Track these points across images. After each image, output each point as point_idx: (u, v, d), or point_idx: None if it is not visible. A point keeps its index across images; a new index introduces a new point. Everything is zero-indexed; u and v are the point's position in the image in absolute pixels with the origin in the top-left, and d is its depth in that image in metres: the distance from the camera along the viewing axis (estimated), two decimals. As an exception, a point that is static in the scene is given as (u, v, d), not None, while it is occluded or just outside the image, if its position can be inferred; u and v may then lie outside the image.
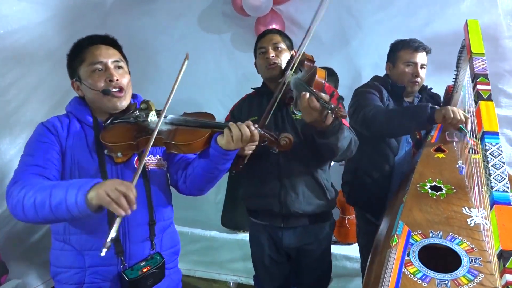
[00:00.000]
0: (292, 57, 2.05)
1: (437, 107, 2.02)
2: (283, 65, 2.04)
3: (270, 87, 2.10)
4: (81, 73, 1.55)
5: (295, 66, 1.91)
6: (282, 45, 2.08)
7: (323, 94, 1.61)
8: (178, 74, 1.51)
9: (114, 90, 1.51)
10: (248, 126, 1.44)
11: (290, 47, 2.13)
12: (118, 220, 1.23)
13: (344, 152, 1.87)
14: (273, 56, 2.04)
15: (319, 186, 2.05)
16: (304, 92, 1.62)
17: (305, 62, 1.99)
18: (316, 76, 1.80)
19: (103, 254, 1.19)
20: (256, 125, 1.50)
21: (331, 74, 3.11)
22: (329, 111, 1.54)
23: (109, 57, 1.54)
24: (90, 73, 1.52)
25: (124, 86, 1.56)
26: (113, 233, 1.21)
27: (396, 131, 2.21)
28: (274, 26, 3.21)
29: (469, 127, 1.91)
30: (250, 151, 1.76)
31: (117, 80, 1.52)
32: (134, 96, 1.69)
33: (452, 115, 1.91)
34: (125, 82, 1.56)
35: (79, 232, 1.48)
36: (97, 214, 1.26)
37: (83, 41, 1.58)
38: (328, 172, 2.13)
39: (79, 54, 1.56)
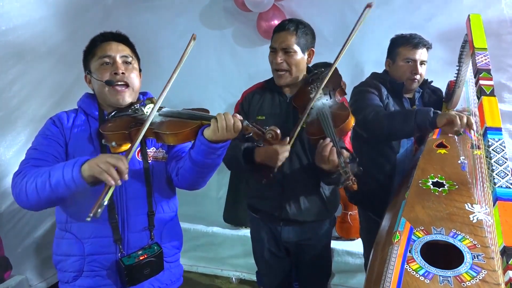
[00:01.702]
0: (323, 70, 1.98)
1: (439, 112, 1.98)
2: (293, 71, 1.97)
3: (282, 86, 2.06)
4: (91, 66, 1.62)
5: (323, 85, 1.85)
6: (295, 48, 1.93)
7: (345, 152, 1.61)
8: (183, 55, 1.52)
9: (118, 83, 1.57)
10: (233, 116, 1.42)
11: (306, 45, 1.99)
12: (110, 190, 1.29)
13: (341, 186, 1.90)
14: (281, 62, 1.94)
15: (320, 198, 2.04)
16: (327, 140, 1.64)
17: (338, 90, 1.89)
18: (346, 122, 1.72)
19: (88, 219, 1.24)
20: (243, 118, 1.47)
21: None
22: (343, 175, 1.57)
23: (118, 52, 1.61)
24: (99, 66, 1.60)
25: (130, 82, 1.61)
26: (103, 201, 1.26)
27: (396, 135, 2.18)
28: (275, 22, 3.19)
29: (472, 133, 1.86)
30: (280, 162, 1.79)
31: (122, 73, 1.58)
32: (144, 94, 1.74)
33: (459, 122, 1.82)
34: (131, 77, 1.62)
35: (79, 221, 1.52)
36: (93, 187, 1.34)
37: (97, 37, 1.66)
38: None
39: (92, 49, 1.63)
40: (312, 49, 2.04)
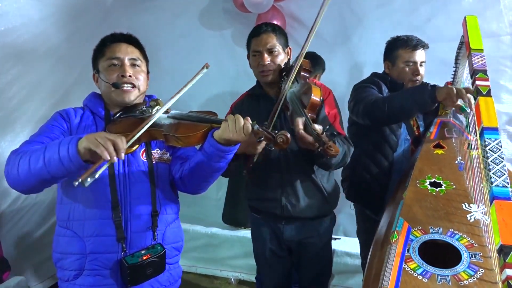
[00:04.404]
0: (290, 64, 2.01)
1: (437, 85, 2.00)
2: (278, 70, 2.00)
3: (266, 90, 2.09)
4: (100, 66, 1.65)
5: (292, 78, 1.87)
6: (278, 47, 1.99)
7: (316, 126, 1.61)
8: (192, 78, 1.54)
9: (124, 85, 1.60)
10: (244, 118, 1.44)
11: (285, 44, 2.06)
12: (104, 165, 1.25)
13: (338, 165, 1.92)
14: (268, 63, 1.98)
15: (319, 191, 2.06)
16: (298, 119, 1.64)
17: (301, 73, 1.92)
18: (312, 96, 1.74)
19: (76, 183, 1.19)
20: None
21: (315, 58, 3.07)
22: (319, 145, 1.57)
23: (126, 54, 1.64)
24: (107, 66, 1.62)
25: (137, 83, 1.63)
26: (96, 173, 1.22)
27: (398, 114, 2.15)
28: (275, 23, 3.19)
29: (472, 106, 1.87)
30: (259, 150, 1.78)
31: (129, 76, 1.60)
32: (150, 96, 1.76)
33: (455, 91, 1.87)
34: (138, 79, 1.64)
35: (82, 218, 1.53)
36: (86, 164, 1.30)
37: (107, 37, 1.69)
38: (331, 174, 2.13)
39: (102, 48, 1.66)
40: (290, 47, 2.09)
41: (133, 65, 1.64)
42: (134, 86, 1.62)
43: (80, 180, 1.19)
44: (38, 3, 2.76)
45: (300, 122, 1.64)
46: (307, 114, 1.69)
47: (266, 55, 1.98)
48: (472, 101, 1.78)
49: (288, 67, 2.00)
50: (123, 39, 1.68)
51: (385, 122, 2.26)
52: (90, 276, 1.53)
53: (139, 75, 1.65)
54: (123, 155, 1.28)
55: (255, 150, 1.78)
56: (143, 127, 1.42)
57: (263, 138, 1.49)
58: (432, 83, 2.47)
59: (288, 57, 2.08)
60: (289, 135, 1.47)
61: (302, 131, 1.61)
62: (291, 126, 1.83)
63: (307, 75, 1.95)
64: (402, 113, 2.14)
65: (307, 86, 1.81)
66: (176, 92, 1.52)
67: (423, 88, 2.01)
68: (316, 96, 1.76)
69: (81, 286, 1.54)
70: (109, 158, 1.24)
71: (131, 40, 1.70)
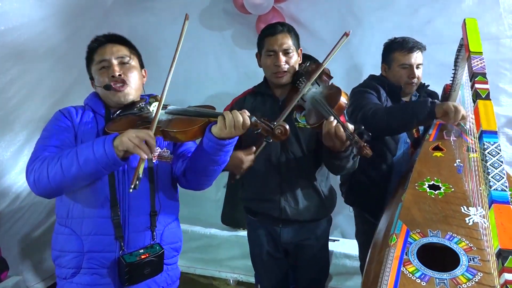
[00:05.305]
0: (307, 65, 2.02)
1: (437, 101, 2.00)
2: (292, 71, 1.99)
3: (273, 90, 2.08)
4: (92, 72, 1.66)
5: (313, 79, 1.87)
6: (292, 48, 1.97)
7: (349, 125, 1.62)
8: (179, 38, 1.60)
9: (116, 85, 1.59)
10: (241, 113, 1.43)
11: (298, 45, 2.03)
12: (142, 163, 1.36)
13: (350, 168, 1.91)
14: (284, 64, 1.95)
15: (317, 195, 2.06)
16: (331, 119, 1.64)
17: (323, 76, 1.92)
18: (340, 98, 1.74)
19: (131, 191, 1.32)
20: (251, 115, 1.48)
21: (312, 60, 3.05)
22: (354, 146, 1.59)
23: (112, 54, 1.63)
24: (97, 71, 1.63)
25: (128, 80, 1.62)
26: (139, 174, 1.34)
27: (396, 128, 2.18)
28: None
29: (468, 125, 1.88)
30: (243, 172, 1.85)
31: (119, 75, 1.60)
32: (149, 95, 1.75)
33: (453, 110, 1.88)
34: (129, 76, 1.63)
35: (80, 217, 1.53)
36: (123, 162, 1.41)
37: (93, 43, 1.68)
38: (328, 178, 2.14)
39: (91, 55, 1.66)
40: (301, 48, 2.07)
41: (122, 63, 1.64)
42: (125, 83, 1.62)
43: (132, 186, 1.32)
44: (38, 3, 2.76)
45: (332, 120, 1.64)
46: (335, 113, 1.69)
47: (281, 56, 1.95)
48: (469, 119, 1.82)
49: (303, 70, 2.00)
50: (108, 40, 1.67)
51: (382, 134, 2.26)
52: (87, 275, 1.53)
53: (130, 72, 1.64)
54: (155, 148, 1.39)
55: (239, 172, 1.85)
56: (156, 118, 1.48)
57: (260, 130, 1.47)
58: (428, 84, 2.49)
59: (299, 58, 2.07)
60: (287, 126, 1.45)
61: (338, 129, 1.62)
62: (308, 125, 1.85)
63: (328, 79, 1.96)
64: (401, 127, 2.17)
65: (336, 89, 1.81)
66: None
67: (423, 104, 2.01)
68: (344, 100, 1.76)
69: (78, 284, 1.54)
70: (146, 157, 1.35)
71: (116, 39, 1.69)
